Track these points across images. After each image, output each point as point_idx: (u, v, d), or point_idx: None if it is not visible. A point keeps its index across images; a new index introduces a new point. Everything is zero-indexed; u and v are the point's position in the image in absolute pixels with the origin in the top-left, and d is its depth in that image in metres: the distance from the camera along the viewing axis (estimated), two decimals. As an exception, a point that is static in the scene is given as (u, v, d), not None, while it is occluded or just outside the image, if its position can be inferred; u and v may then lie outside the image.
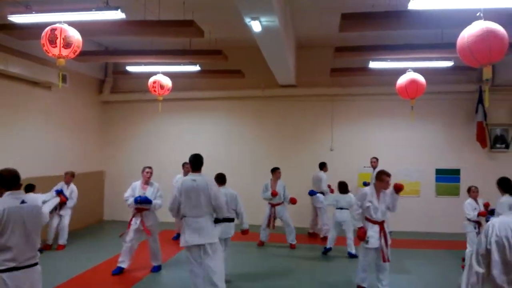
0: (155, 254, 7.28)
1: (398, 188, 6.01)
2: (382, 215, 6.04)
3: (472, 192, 7.65)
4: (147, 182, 7.27)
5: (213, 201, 5.36)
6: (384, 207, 6.06)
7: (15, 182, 3.90)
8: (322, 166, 10.07)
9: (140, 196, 7.03)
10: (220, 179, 6.68)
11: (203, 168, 5.55)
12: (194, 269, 5.37)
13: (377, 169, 9.23)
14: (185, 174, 8.49)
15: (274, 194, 8.91)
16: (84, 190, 9.87)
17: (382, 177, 6.03)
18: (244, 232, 6.81)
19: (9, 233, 3.58)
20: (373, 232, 5.99)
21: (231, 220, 6.52)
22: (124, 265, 7.06)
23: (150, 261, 7.31)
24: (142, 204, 7.03)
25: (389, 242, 6.06)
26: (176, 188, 5.50)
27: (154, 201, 7.07)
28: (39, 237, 3.94)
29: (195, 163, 5.55)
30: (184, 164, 9.08)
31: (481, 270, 2.89)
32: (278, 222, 9.14)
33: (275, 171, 9.19)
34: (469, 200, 7.67)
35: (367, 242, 5.99)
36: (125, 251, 7.09)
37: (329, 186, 9.79)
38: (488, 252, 2.83)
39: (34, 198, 4.17)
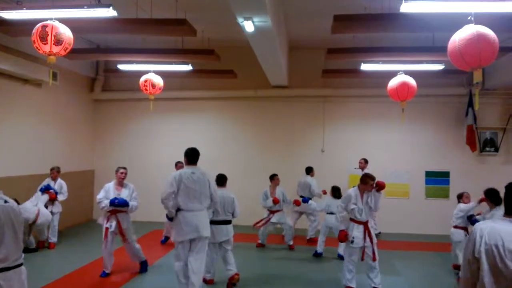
0: (134, 254, 7.08)
1: (380, 186, 6.11)
2: (366, 216, 6.13)
3: (465, 197, 7.47)
4: (121, 183, 6.94)
5: (213, 192, 5.56)
6: (368, 208, 6.14)
7: None
8: (309, 170, 9.77)
9: (117, 198, 6.69)
10: (220, 180, 6.60)
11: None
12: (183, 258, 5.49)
13: (366, 171, 9.29)
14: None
15: (276, 201, 8.71)
16: (74, 189, 9.79)
17: (366, 180, 6.12)
18: None
19: (1, 232, 3.47)
20: (358, 232, 6.09)
21: (228, 222, 6.48)
22: (108, 270, 6.89)
23: (133, 261, 7.17)
24: (119, 206, 6.71)
25: (375, 241, 6.15)
26: (172, 178, 5.42)
27: (130, 203, 6.78)
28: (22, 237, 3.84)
29: (192, 156, 5.62)
30: (177, 163, 8.82)
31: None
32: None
33: (273, 177, 8.98)
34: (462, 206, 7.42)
35: (352, 242, 6.09)
36: (106, 257, 6.86)
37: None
38: (476, 259, 2.69)
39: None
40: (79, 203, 11.14)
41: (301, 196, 9.24)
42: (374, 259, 6.06)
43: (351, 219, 6.19)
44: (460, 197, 7.58)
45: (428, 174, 11.12)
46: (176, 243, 5.56)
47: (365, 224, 6.11)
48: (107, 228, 6.80)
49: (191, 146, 5.74)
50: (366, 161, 10.16)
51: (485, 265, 2.62)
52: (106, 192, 6.81)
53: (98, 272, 6.91)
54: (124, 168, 7.06)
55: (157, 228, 9.62)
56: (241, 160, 11.54)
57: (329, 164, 11.17)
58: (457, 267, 7.07)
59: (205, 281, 6.26)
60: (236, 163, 11.43)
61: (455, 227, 7.33)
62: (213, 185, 5.66)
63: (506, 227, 2.65)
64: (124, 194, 6.83)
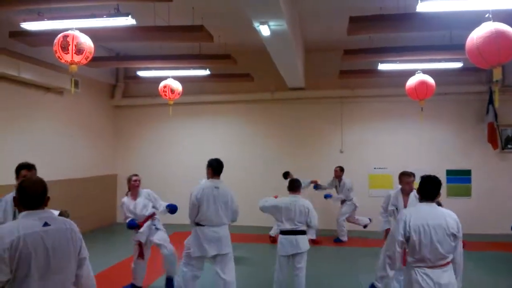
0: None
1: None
2: None
3: None
4: (135, 192, 6.33)
5: (235, 207, 5.45)
6: None
7: (41, 199, 2.74)
8: (286, 175, 9.41)
9: (170, 204, 6.31)
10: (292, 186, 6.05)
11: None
12: (196, 274, 5.46)
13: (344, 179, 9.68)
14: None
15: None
16: (97, 193, 9.99)
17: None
18: None
19: (24, 273, 2.48)
20: None
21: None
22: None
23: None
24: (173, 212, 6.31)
25: None
26: (193, 198, 5.23)
27: (163, 205, 6.37)
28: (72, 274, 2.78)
29: (218, 168, 5.40)
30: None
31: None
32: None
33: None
34: None
35: None
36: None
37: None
38: (405, 238, 3.56)
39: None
40: (102, 207, 11.35)
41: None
42: None
43: None
44: None
45: (449, 173, 10.98)
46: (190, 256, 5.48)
47: None
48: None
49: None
50: (342, 169, 9.84)
51: (415, 241, 3.50)
52: (127, 209, 6.26)
53: (121, 275, 6.90)
54: (136, 175, 6.51)
55: (178, 230, 9.67)
56: (259, 163, 11.59)
57: (348, 165, 11.08)
58: None
59: None
60: (255, 166, 11.49)
61: None
62: (235, 199, 5.49)
63: (427, 209, 3.66)
64: (140, 203, 6.25)
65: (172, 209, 6.29)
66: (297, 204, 5.69)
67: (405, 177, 5.95)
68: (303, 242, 5.67)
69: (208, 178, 5.41)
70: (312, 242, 7.62)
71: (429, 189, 3.78)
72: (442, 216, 3.62)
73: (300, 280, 5.69)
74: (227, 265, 5.33)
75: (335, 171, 9.88)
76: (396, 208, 5.91)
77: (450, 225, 3.57)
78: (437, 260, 3.51)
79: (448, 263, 3.58)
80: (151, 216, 6.32)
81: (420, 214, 3.60)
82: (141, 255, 6.24)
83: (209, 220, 5.22)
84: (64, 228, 2.73)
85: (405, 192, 5.94)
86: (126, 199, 6.37)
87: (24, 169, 4.57)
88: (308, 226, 5.79)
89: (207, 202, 5.19)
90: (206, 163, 5.45)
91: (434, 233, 3.48)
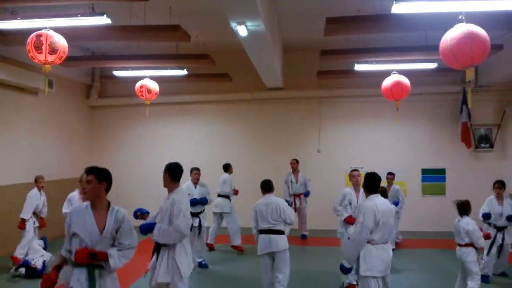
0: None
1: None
2: None
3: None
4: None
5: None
6: None
7: None
8: (227, 167, 9.55)
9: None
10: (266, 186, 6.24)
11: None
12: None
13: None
14: (193, 181, 7.90)
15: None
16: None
17: None
18: None
19: None
20: None
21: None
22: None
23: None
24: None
25: None
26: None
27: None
28: None
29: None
30: (192, 170, 7.94)
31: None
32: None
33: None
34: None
35: None
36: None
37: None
38: (375, 224, 4.45)
39: None
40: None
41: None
42: None
43: None
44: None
45: (424, 171, 11.19)
46: None
47: None
48: None
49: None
50: (297, 161, 10.35)
51: (381, 224, 4.46)
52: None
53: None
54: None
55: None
56: (238, 163, 11.53)
57: (326, 165, 11.23)
58: None
59: None
60: (232, 166, 11.46)
61: None
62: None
63: (377, 200, 4.62)
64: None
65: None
66: (270, 203, 5.83)
67: (352, 172, 6.75)
68: (279, 241, 5.74)
69: (165, 184, 4.84)
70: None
71: (373, 184, 4.68)
72: (387, 203, 4.82)
73: (278, 277, 5.72)
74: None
75: (292, 163, 10.33)
76: (350, 203, 6.47)
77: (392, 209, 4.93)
78: (388, 238, 4.63)
79: None
80: None
81: (380, 204, 4.58)
82: None
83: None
84: None
85: (357, 189, 6.59)
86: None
87: None
88: (286, 223, 5.89)
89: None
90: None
91: (388, 216, 4.58)
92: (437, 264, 7.96)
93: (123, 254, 3.56)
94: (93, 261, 3.40)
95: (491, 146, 10.98)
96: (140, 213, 5.07)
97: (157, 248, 4.57)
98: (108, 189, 3.60)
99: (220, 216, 9.11)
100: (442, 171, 11.11)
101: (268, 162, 11.30)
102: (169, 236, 4.42)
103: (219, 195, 9.08)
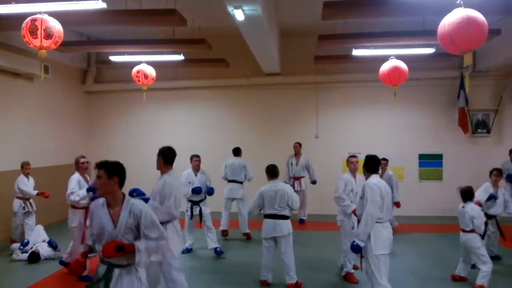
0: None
1: None
2: None
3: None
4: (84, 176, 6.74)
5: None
6: None
7: None
8: (238, 151, 9.51)
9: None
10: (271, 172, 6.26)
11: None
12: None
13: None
14: (194, 168, 7.80)
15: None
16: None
17: None
18: None
19: None
20: None
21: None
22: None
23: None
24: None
25: None
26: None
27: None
28: None
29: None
30: (192, 158, 7.91)
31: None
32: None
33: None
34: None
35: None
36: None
37: None
38: (382, 200, 4.76)
39: None
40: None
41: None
42: None
43: None
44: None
45: (422, 156, 11.22)
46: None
47: None
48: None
49: (174, 143, 5.53)
50: (300, 145, 10.46)
51: (385, 201, 4.81)
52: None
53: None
54: (84, 157, 6.83)
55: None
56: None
57: (324, 150, 11.25)
58: None
59: None
60: (229, 151, 11.45)
61: None
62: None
63: (379, 178, 5.00)
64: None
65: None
66: (278, 190, 5.91)
67: (350, 158, 6.66)
68: (284, 226, 5.87)
69: (158, 167, 5.25)
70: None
71: (374, 165, 5.01)
72: (385, 183, 5.10)
73: (285, 263, 5.90)
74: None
75: (295, 147, 10.43)
76: (352, 190, 6.33)
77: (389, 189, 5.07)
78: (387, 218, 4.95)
79: None
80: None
81: (382, 182, 4.94)
82: None
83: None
84: None
85: (354, 175, 6.53)
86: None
87: None
88: (291, 209, 6.01)
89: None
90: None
91: (388, 194, 4.90)
92: (434, 248, 8.01)
93: (155, 248, 3.45)
94: (120, 254, 3.23)
95: (488, 131, 11.01)
96: (136, 194, 5.12)
97: None
98: (121, 183, 3.41)
99: (231, 201, 9.09)
100: (439, 156, 11.15)
101: (265, 148, 11.31)
102: (159, 214, 4.47)
103: (232, 181, 9.04)
